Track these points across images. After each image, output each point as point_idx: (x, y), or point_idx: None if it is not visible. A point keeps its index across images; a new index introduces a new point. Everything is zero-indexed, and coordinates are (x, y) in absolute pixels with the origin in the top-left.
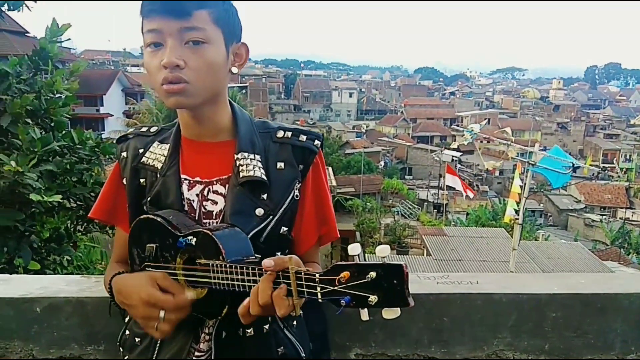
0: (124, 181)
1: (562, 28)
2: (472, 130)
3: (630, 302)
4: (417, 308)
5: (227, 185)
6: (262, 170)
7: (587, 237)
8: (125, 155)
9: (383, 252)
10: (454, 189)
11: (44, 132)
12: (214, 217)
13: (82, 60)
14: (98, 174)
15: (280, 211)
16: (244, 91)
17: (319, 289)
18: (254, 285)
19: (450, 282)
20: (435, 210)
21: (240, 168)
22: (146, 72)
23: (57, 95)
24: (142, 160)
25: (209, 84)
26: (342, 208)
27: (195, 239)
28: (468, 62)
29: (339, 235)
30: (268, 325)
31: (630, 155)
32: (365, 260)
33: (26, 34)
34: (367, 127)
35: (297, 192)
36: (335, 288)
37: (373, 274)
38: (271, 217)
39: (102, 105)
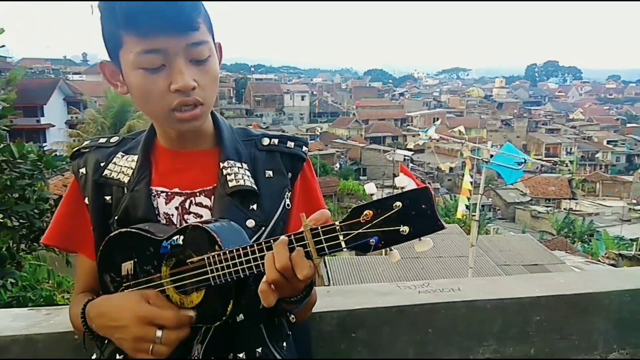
0: (86, 200)
1: (503, 28)
2: (428, 132)
3: (610, 301)
4: (400, 320)
5: (212, 197)
6: (251, 179)
7: (534, 228)
8: (84, 172)
9: (403, 182)
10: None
11: None
12: None
13: (20, 68)
14: (42, 189)
15: (272, 222)
16: None
17: (341, 237)
18: (262, 263)
19: (432, 290)
20: None
21: (228, 177)
22: (140, 96)
23: None
24: (104, 174)
25: (214, 98)
26: None
27: (182, 237)
28: (415, 63)
29: None
30: (261, 348)
31: (571, 148)
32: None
33: None
34: (320, 129)
35: (288, 201)
36: (361, 230)
37: (399, 204)
38: (263, 228)
39: (42, 115)
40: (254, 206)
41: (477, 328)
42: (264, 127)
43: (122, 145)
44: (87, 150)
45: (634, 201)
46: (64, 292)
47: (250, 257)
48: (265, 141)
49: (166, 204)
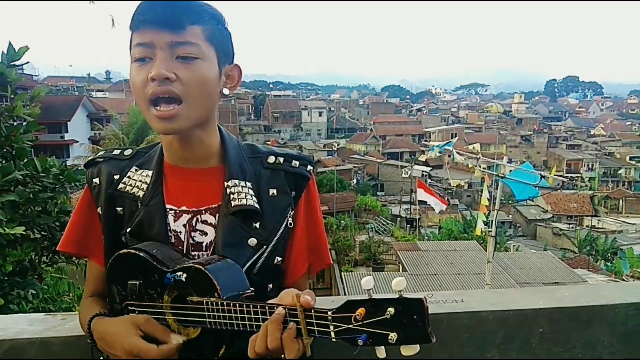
0: (99, 210)
1: (521, 44)
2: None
3: (615, 313)
4: None
5: (217, 215)
6: (254, 199)
7: (556, 245)
8: (97, 182)
9: (399, 286)
10: (426, 203)
11: (4, 161)
12: (203, 249)
13: (44, 85)
14: (63, 203)
15: (274, 240)
16: None
17: (332, 327)
18: (255, 324)
19: (435, 301)
20: (409, 225)
21: (232, 196)
22: (133, 90)
23: (18, 122)
24: (119, 187)
25: (201, 103)
26: None
27: (185, 275)
28: (431, 79)
29: (331, 262)
30: None
31: (592, 165)
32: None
33: None
34: (338, 145)
35: (290, 220)
36: (351, 326)
37: (392, 310)
38: (265, 246)
39: (66, 131)
40: (257, 224)
41: (480, 339)
42: (282, 142)
43: (135, 159)
44: (101, 160)
45: None
46: None
47: (246, 315)
48: (271, 159)
49: (174, 221)
